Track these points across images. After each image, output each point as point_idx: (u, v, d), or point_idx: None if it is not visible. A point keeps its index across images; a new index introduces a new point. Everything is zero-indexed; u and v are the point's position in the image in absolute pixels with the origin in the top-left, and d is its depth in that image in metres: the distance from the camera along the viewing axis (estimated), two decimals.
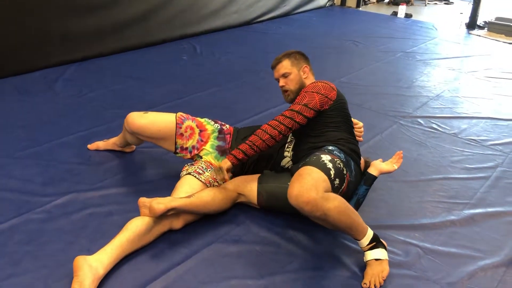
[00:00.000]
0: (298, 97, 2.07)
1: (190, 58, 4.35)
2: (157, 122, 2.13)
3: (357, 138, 2.20)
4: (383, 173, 2.05)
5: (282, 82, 2.17)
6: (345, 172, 1.88)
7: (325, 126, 2.05)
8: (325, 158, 1.84)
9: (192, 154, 2.18)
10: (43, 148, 2.55)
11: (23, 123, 2.84)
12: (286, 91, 2.16)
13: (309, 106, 2.00)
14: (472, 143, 2.99)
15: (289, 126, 1.99)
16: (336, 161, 1.86)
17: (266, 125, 2.01)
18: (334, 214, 1.65)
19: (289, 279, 1.76)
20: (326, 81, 2.11)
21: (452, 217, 2.21)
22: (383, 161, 2.09)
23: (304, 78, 2.16)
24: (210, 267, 1.78)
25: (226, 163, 1.99)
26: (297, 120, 2.00)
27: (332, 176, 1.78)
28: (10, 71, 3.56)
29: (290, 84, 2.14)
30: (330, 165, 1.81)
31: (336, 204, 1.66)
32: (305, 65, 2.18)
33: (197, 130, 2.19)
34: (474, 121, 3.34)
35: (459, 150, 2.89)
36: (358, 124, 2.30)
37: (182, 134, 2.15)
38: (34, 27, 3.63)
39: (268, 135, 1.98)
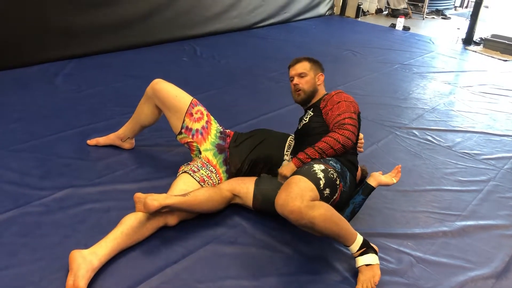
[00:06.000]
0: (338, 106, 2.06)
1: (190, 60, 4.38)
2: (178, 90, 2.27)
3: (357, 149, 2.23)
4: (381, 185, 2.08)
5: (296, 80, 2.22)
6: (338, 182, 1.89)
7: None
8: (318, 167, 1.85)
9: (194, 138, 2.22)
10: (41, 141, 2.56)
11: (22, 116, 2.84)
12: (298, 90, 2.22)
13: (356, 113, 2.09)
14: (465, 157, 3.04)
15: (356, 133, 2.03)
16: (330, 171, 1.87)
17: (338, 135, 1.95)
18: (320, 221, 1.67)
19: (284, 282, 1.78)
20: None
21: (444, 228, 2.25)
22: (381, 172, 2.11)
23: (318, 85, 2.24)
24: (206, 267, 1.80)
25: (291, 168, 1.94)
26: (357, 127, 2.06)
27: (322, 186, 1.80)
28: (10, 64, 3.56)
29: (305, 85, 2.21)
30: (321, 175, 1.82)
31: (321, 212, 1.68)
32: (320, 73, 2.27)
33: (205, 118, 2.27)
34: (468, 135, 3.39)
35: (453, 162, 2.94)
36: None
37: (191, 114, 2.23)
38: (36, 21, 3.64)
39: (340, 145, 1.95)
